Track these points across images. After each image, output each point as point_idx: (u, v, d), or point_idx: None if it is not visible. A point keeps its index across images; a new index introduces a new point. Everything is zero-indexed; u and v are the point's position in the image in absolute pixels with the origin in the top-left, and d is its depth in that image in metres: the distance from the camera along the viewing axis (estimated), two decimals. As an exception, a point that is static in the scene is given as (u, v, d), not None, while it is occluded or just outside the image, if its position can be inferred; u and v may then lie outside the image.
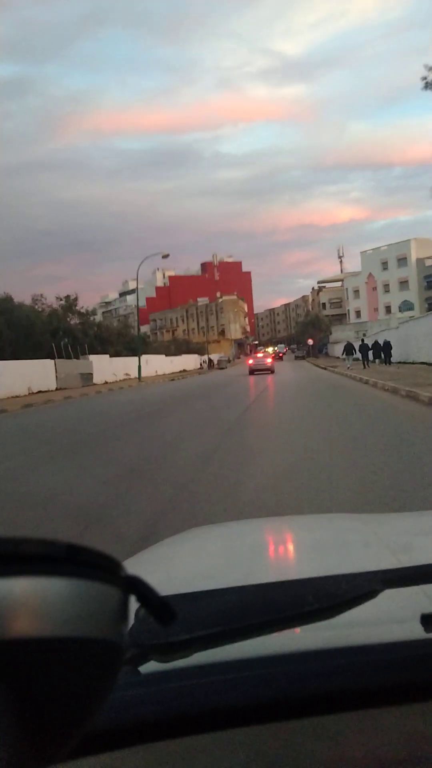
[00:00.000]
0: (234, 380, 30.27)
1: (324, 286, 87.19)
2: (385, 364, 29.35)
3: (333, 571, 0.68)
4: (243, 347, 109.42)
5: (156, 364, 45.99)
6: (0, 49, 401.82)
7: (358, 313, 75.37)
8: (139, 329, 39.57)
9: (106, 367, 34.53)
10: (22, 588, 0.31)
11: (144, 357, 43.38)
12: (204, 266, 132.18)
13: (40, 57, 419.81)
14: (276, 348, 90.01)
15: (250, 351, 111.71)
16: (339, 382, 21.56)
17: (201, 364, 62.26)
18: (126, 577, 0.38)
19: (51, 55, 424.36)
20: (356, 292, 75.82)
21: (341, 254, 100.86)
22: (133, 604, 0.40)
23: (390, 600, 0.67)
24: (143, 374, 40.77)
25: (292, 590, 0.64)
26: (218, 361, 63.17)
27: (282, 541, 1.50)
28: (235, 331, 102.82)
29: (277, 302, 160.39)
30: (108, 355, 36.51)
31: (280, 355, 78.50)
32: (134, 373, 36.32)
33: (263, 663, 0.65)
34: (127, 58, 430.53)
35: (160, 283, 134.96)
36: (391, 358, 29.71)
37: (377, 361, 29.98)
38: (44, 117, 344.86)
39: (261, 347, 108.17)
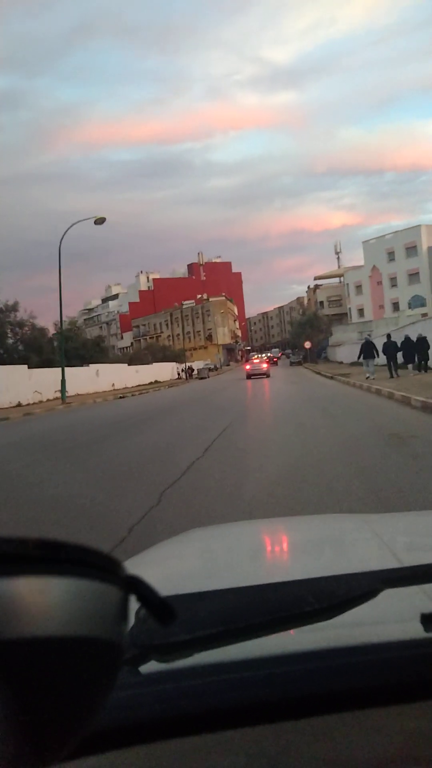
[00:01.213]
0: (202, 398, 20.57)
1: (321, 284, 77.56)
2: (421, 370, 19.68)
3: (333, 571, 0.68)
4: (233, 353, 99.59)
5: (113, 376, 36.16)
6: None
7: (360, 312, 65.94)
8: (62, 329, 28.90)
9: (20, 383, 24.52)
10: (22, 588, 0.31)
11: (95, 367, 33.41)
12: (191, 268, 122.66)
13: (31, 70, 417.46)
14: (270, 353, 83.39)
15: (242, 357, 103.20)
16: (378, 410, 11.57)
17: (179, 374, 52.46)
18: (126, 577, 0.38)
19: (41, 67, 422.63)
20: (358, 287, 66.40)
21: (339, 250, 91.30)
22: (134, 604, 0.40)
23: (390, 600, 0.67)
24: (91, 389, 30.93)
25: (292, 590, 0.63)
26: (198, 370, 53.31)
27: (282, 541, 1.49)
28: (223, 336, 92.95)
29: (271, 308, 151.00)
30: (26, 366, 26.38)
31: (275, 360, 71.77)
32: (71, 389, 26.44)
33: (264, 663, 0.65)
34: (117, 69, 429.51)
35: (144, 286, 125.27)
36: (429, 362, 20.04)
37: (410, 366, 20.26)
38: (35, 129, 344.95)
39: (253, 353, 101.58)
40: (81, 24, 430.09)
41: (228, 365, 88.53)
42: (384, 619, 0.76)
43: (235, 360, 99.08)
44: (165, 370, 51.76)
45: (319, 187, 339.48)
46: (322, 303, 74.24)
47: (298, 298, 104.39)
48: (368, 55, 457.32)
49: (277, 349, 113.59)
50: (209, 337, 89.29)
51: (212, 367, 75.71)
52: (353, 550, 1.26)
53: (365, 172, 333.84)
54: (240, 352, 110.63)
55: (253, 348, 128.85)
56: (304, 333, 61.65)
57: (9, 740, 0.31)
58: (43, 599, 0.32)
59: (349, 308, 68.26)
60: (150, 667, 0.60)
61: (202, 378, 50.27)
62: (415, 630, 0.64)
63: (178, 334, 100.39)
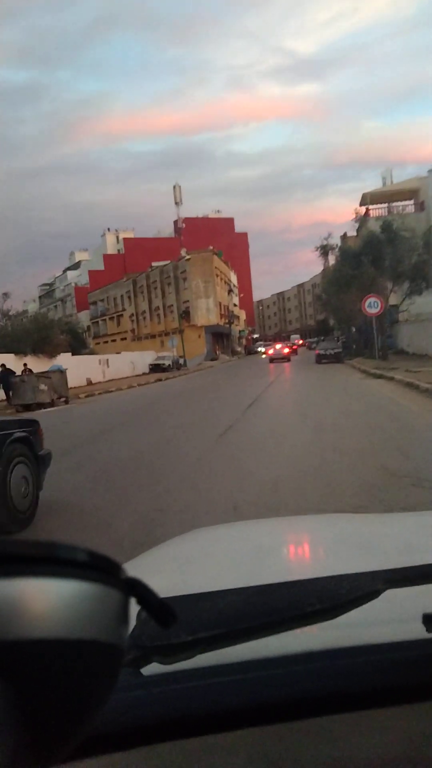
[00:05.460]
0: None
1: (372, 207, 42.05)
2: None
3: (335, 571, 0.68)
4: (224, 340, 64.39)
5: None
6: (13, 56, 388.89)
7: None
8: None
9: None
10: (23, 589, 0.31)
11: None
12: (177, 225, 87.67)
13: (52, 63, 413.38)
14: (291, 340, 65.92)
15: (245, 348, 69.82)
16: None
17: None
18: (126, 579, 0.38)
19: (62, 60, 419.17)
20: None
21: (389, 178, 55.60)
22: (135, 605, 0.40)
23: (392, 600, 0.66)
24: None
25: (295, 591, 0.63)
26: (21, 383, 17.42)
27: (284, 541, 1.49)
28: (206, 312, 57.50)
29: (289, 288, 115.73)
30: None
31: (294, 347, 51.76)
32: None
33: (265, 664, 0.65)
34: (138, 61, 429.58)
35: (112, 249, 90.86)
36: None
37: None
38: (57, 122, 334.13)
39: (260, 342, 74.25)
40: (102, 16, 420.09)
41: (213, 359, 53.95)
42: (386, 620, 0.75)
43: (230, 351, 64.23)
44: None
45: (340, 179, 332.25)
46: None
47: (324, 268, 66.51)
48: (391, 47, 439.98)
49: (296, 335, 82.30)
50: (185, 315, 54.66)
51: (167, 364, 41.35)
52: (355, 550, 1.25)
53: (387, 164, 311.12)
54: (245, 341, 76.69)
55: (264, 337, 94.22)
56: (358, 280, 25.63)
57: (9, 741, 0.31)
58: (44, 601, 0.32)
59: (441, 244, 33.55)
60: (151, 668, 0.59)
61: (29, 404, 16.01)
62: (417, 630, 0.63)
63: (144, 312, 66.17)
